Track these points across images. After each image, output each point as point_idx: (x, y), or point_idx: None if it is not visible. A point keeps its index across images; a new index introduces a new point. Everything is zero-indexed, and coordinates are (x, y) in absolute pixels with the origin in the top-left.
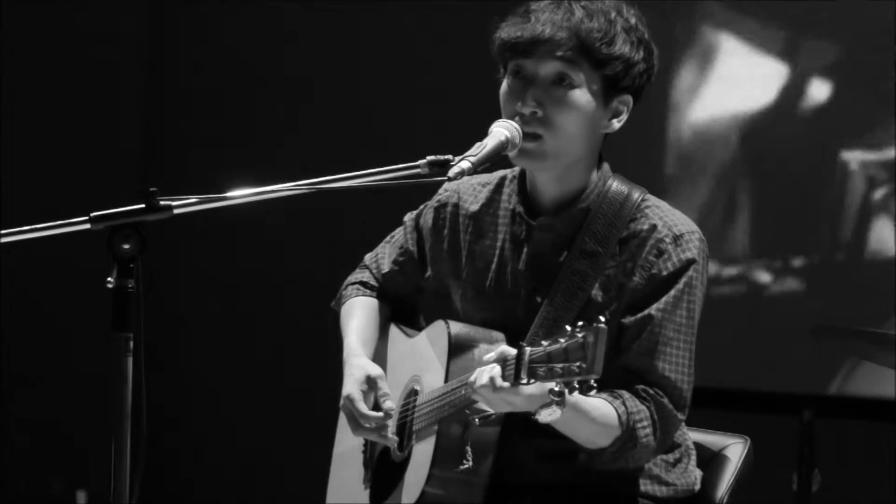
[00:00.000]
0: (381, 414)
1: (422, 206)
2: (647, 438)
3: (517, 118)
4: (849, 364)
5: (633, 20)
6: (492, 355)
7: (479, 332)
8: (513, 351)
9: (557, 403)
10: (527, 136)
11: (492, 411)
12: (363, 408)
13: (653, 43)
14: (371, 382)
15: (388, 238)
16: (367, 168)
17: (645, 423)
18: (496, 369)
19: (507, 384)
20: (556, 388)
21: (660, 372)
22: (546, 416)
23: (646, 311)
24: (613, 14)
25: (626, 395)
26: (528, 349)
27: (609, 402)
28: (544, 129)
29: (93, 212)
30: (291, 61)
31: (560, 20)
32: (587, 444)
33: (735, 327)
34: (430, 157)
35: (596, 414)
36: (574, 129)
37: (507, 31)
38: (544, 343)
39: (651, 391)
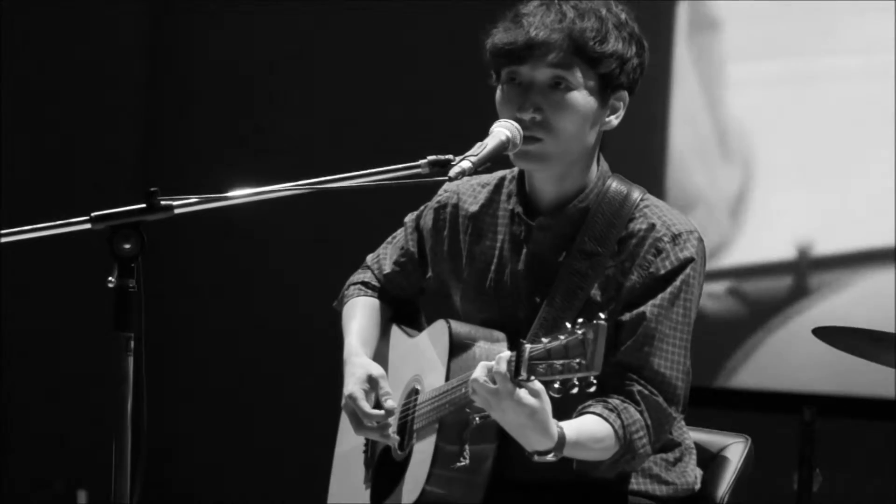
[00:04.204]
0: (383, 412)
1: (422, 207)
2: (645, 448)
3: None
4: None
5: (622, 16)
6: (493, 363)
7: (481, 331)
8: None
9: (554, 453)
10: (527, 139)
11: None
12: (366, 406)
13: (643, 37)
14: (372, 382)
15: (389, 239)
16: (368, 168)
17: (641, 434)
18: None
19: (503, 370)
20: (556, 393)
21: (654, 368)
22: (539, 459)
23: (642, 308)
24: (604, 11)
25: (620, 405)
26: (527, 346)
27: (604, 419)
28: (545, 133)
29: (93, 212)
30: (292, 61)
31: (552, 23)
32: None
33: (735, 327)
34: (430, 157)
35: (592, 443)
36: (575, 131)
37: (500, 37)
38: (544, 340)
39: (645, 391)
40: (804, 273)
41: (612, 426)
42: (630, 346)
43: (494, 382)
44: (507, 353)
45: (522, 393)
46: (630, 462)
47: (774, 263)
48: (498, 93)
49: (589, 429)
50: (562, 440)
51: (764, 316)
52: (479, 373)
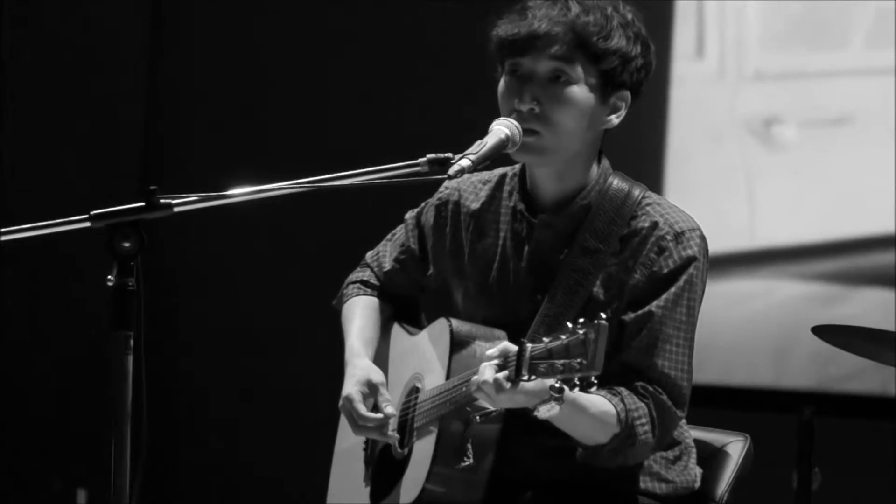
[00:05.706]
0: (379, 416)
1: (423, 204)
2: (646, 436)
3: (515, 115)
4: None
5: (629, 16)
6: (494, 350)
7: (481, 330)
8: (514, 347)
9: (556, 400)
10: (525, 131)
11: (493, 408)
12: (362, 409)
13: (649, 39)
14: (372, 387)
15: (388, 236)
16: (368, 166)
17: (643, 420)
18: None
19: (509, 384)
20: (556, 385)
21: (659, 369)
22: (545, 412)
23: (646, 309)
24: (609, 9)
25: (624, 392)
26: (529, 346)
27: (608, 400)
28: (542, 125)
29: (92, 211)
30: (292, 60)
31: (556, 16)
32: (586, 440)
33: (735, 325)
34: (430, 155)
35: (594, 411)
36: (572, 125)
37: (504, 28)
38: (545, 340)
39: (650, 388)
40: None
41: (615, 408)
42: (635, 348)
43: (498, 384)
44: (503, 344)
45: (525, 385)
46: (631, 449)
47: None
48: (500, 83)
49: (591, 398)
50: (562, 389)
51: (764, 313)
52: (486, 375)
